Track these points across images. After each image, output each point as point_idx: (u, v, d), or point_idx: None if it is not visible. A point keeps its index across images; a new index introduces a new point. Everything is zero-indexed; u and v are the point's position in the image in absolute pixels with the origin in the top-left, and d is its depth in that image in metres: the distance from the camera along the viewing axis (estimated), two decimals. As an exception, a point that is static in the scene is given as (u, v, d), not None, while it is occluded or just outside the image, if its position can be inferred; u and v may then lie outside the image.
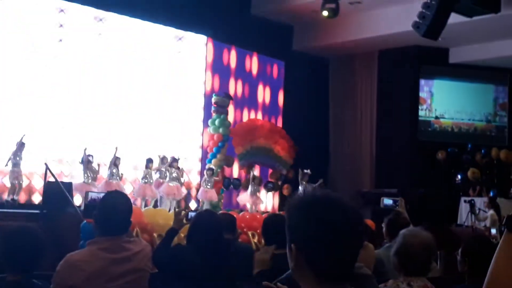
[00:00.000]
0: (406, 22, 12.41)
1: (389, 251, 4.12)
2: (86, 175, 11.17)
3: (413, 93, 16.38)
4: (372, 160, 16.48)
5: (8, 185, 10.88)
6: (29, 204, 11.18)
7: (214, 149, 13.86)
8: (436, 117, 16.64)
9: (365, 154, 16.62)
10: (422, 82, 16.53)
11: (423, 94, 16.57)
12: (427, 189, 14.10)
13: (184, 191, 12.79)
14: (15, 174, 10.68)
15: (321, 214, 1.89)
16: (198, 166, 14.52)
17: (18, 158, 10.71)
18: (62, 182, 10.53)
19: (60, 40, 12.35)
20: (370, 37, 15.06)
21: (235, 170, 15.02)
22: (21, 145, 10.76)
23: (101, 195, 9.33)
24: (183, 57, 14.44)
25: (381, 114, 16.41)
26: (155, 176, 12.31)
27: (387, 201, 5.91)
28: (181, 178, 12.49)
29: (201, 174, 14.10)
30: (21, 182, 10.76)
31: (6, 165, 10.62)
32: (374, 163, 16.42)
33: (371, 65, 16.63)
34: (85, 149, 11.28)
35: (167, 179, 12.22)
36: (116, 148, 11.60)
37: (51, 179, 10.15)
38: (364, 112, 16.79)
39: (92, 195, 8.82)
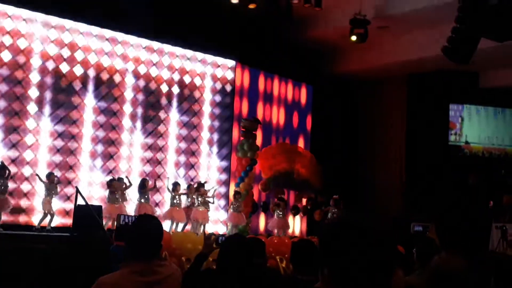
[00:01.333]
0: (435, 46, 12.35)
1: (420, 278, 4.08)
2: (109, 196, 11.36)
3: (443, 118, 16.25)
4: (402, 184, 16.32)
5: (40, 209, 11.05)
6: (60, 227, 11.30)
7: (242, 173, 13.90)
8: (466, 142, 16.46)
9: (394, 178, 16.46)
10: (452, 106, 16.39)
11: (453, 119, 16.42)
12: (459, 215, 13.84)
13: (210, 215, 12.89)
14: (48, 204, 10.83)
15: (354, 239, 1.91)
16: (225, 189, 14.56)
17: (52, 191, 10.88)
18: (92, 205, 10.67)
19: (89, 70, 12.56)
20: (399, 62, 15.02)
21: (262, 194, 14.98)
22: (49, 175, 10.97)
23: (133, 218, 9.49)
24: (212, 82, 14.56)
25: (410, 139, 16.27)
26: (183, 200, 12.45)
27: (418, 227, 5.85)
28: (210, 201, 12.62)
29: (228, 197, 14.16)
30: (52, 212, 10.89)
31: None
32: (404, 187, 16.24)
33: (400, 90, 16.54)
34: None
35: (196, 203, 12.35)
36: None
37: (82, 202, 10.30)
38: (393, 137, 16.66)
39: (123, 218, 8.92)
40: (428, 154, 15.79)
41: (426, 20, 13.32)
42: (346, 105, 16.99)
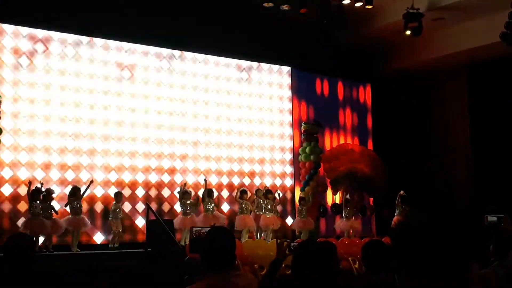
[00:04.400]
0: (493, 33, 12.09)
1: (497, 272, 4.02)
2: (183, 209, 11.55)
3: (509, 105, 15.76)
4: (469, 177, 15.84)
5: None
6: (133, 243, 11.58)
7: (306, 177, 13.92)
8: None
9: (460, 172, 16.00)
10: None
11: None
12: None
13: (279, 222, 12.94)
14: (116, 224, 11.13)
15: (430, 241, 1.95)
16: (290, 195, 14.59)
17: (117, 210, 11.18)
18: (163, 219, 10.91)
19: (157, 83, 12.88)
20: (457, 52, 14.63)
21: (329, 196, 14.93)
22: (117, 195, 11.28)
23: (206, 229, 9.64)
24: (269, 89, 14.66)
25: (474, 131, 15.78)
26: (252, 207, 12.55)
27: (491, 218, 5.75)
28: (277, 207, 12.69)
29: (293, 203, 14.21)
30: (120, 231, 11.18)
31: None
32: (471, 181, 15.77)
33: (461, 81, 16.10)
34: (184, 185, 11.82)
35: (263, 210, 12.42)
36: (205, 181, 12.06)
37: (153, 217, 10.55)
38: (457, 130, 16.22)
39: (196, 230, 9.11)
40: (494, 145, 15.33)
41: (481, 7, 13.03)
42: (405, 100, 16.73)
